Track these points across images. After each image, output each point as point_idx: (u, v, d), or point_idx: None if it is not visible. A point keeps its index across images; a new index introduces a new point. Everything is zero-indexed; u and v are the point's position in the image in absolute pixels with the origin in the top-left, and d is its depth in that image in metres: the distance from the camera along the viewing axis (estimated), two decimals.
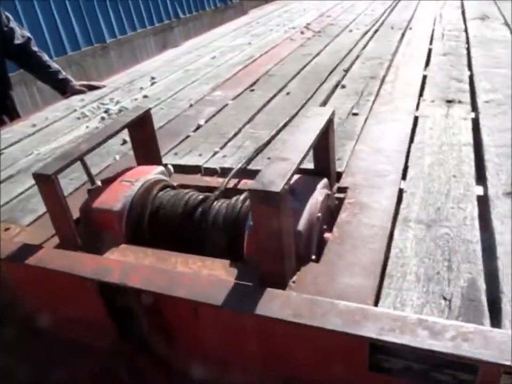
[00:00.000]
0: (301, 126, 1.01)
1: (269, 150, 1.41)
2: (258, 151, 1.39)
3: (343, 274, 0.86)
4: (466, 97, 1.66)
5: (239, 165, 1.26)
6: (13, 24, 2.26)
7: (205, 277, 0.83)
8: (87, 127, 1.87)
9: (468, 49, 2.27)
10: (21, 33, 2.29)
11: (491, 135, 1.34)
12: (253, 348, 0.79)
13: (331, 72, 2.12)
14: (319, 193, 0.99)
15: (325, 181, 1.05)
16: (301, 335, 0.74)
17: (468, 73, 1.93)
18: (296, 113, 1.66)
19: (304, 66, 2.30)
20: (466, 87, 1.76)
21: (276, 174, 0.79)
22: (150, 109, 1.28)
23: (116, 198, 1.10)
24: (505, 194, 1.05)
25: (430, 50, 2.33)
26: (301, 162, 0.86)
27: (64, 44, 5.47)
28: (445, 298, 0.76)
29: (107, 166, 1.48)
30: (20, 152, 1.71)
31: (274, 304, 0.73)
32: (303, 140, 0.94)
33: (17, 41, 2.25)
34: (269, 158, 1.34)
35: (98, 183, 1.21)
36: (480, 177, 1.15)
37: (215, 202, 1.07)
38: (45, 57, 2.40)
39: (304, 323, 0.68)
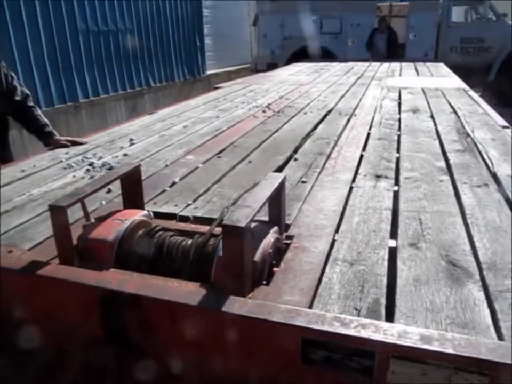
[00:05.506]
0: (259, 185, 1.34)
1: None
2: (231, 204, 1.70)
3: (286, 294, 1.16)
4: (392, 174, 2.07)
5: (222, 215, 1.55)
6: (16, 82, 2.57)
7: (183, 288, 1.10)
8: (73, 176, 2.14)
9: (399, 136, 2.77)
10: (21, 90, 2.60)
11: (405, 203, 1.73)
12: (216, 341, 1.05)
13: (286, 147, 2.53)
14: (271, 235, 1.30)
15: (276, 228, 1.37)
16: (254, 330, 1.01)
17: (396, 155, 2.38)
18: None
19: (264, 140, 2.71)
20: (393, 165, 2.19)
21: (241, 215, 1.11)
22: (139, 165, 1.59)
23: (109, 232, 1.36)
24: (410, 245, 1.40)
25: (368, 135, 2.81)
26: (259, 209, 1.18)
27: (40, 100, 5.76)
28: (356, 309, 1.08)
29: (95, 209, 1.74)
30: (13, 193, 1.94)
31: (235, 305, 1.01)
32: (261, 194, 1.27)
33: (17, 98, 2.55)
34: None
35: (93, 220, 1.48)
36: (394, 233, 1.51)
37: (190, 241, 1.36)
38: (37, 111, 2.70)
39: (255, 317, 0.96)
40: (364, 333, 0.92)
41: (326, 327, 0.94)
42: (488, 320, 1.05)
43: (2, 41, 5.21)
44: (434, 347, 0.88)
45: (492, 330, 1.02)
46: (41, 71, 5.83)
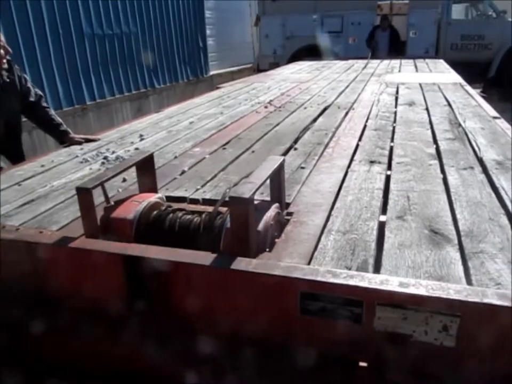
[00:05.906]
0: (261, 166, 1.50)
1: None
2: (233, 186, 1.87)
3: (286, 258, 1.32)
4: (385, 160, 2.23)
5: (226, 195, 1.71)
6: (29, 84, 2.75)
7: (196, 252, 1.27)
8: (90, 168, 2.31)
9: (394, 127, 2.92)
10: (34, 91, 2.78)
11: (396, 184, 1.89)
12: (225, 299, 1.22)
13: (287, 138, 2.69)
14: (272, 210, 1.47)
15: (277, 204, 1.53)
16: (258, 285, 1.18)
17: (390, 144, 2.54)
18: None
19: (266, 133, 2.87)
20: (386, 152, 2.35)
21: (245, 189, 1.27)
22: (153, 153, 1.76)
23: (129, 211, 1.53)
24: (397, 217, 1.56)
25: (365, 126, 2.96)
26: (261, 185, 1.34)
27: (48, 103, 5.92)
28: (347, 267, 1.24)
29: (112, 196, 1.91)
30: (36, 184, 2.12)
31: (242, 264, 1.18)
32: (262, 173, 1.43)
33: (31, 99, 2.73)
34: None
35: (112, 203, 1.65)
36: (384, 210, 1.67)
37: (199, 218, 1.53)
38: (51, 111, 2.88)
39: (259, 272, 1.13)
40: (351, 282, 1.08)
41: (319, 278, 1.10)
42: (461, 274, 1.21)
43: (12, 47, 5.40)
44: (410, 290, 1.04)
45: (464, 281, 1.18)
46: (49, 75, 6.02)
